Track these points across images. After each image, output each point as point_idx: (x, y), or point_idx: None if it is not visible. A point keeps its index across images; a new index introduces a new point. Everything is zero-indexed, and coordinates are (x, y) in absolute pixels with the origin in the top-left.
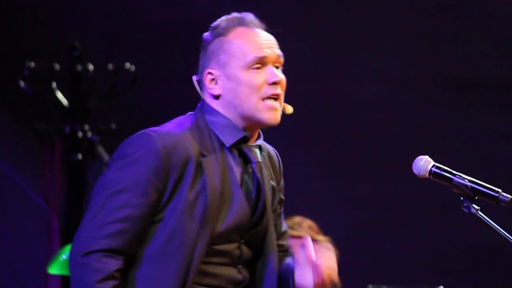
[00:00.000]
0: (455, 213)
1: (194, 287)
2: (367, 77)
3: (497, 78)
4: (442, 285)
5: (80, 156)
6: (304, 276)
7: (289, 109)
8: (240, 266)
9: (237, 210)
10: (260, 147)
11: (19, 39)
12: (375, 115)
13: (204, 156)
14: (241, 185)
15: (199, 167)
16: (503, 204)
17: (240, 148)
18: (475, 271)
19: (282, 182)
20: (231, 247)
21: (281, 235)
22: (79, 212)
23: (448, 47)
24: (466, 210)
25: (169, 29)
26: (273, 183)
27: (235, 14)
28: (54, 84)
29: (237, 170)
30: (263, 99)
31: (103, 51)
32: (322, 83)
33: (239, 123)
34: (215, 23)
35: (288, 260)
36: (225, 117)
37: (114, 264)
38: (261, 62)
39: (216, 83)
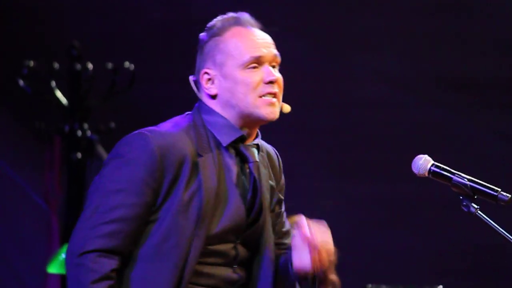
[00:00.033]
0: (455, 213)
1: (190, 287)
2: (367, 77)
3: (497, 78)
4: (441, 285)
5: (79, 155)
6: (301, 257)
7: (287, 108)
8: (236, 266)
9: (232, 210)
10: (258, 147)
11: (19, 38)
12: (375, 115)
13: (200, 156)
14: (237, 185)
15: (195, 167)
16: (502, 203)
17: (237, 148)
18: (474, 270)
19: (282, 180)
20: (226, 247)
21: (283, 234)
22: (78, 211)
23: (448, 47)
24: (465, 209)
25: (169, 28)
26: (271, 182)
27: (230, 14)
28: (53, 83)
29: (234, 170)
30: (260, 97)
31: (103, 50)
32: (322, 83)
33: (237, 122)
34: (211, 23)
35: (288, 251)
36: (222, 116)
37: (109, 264)
38: (258, 62)
39: (212, 82)
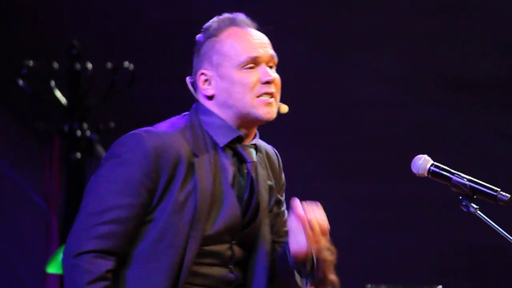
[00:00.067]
0: (454, 213)
1: (187, 287)
2: (367, 77)
3: (497, 78)
4: (441, 285)
5: (79, 155)
6: (297, 239)
7: (284, 109)
8: (232, 266)
9: (228, 211)
10: (256, 147)
11: (18, 38)
12: (375, 115)
13: (196, 156)
14: (233, 186)
15: (191, 167)
16: (501, 203)
17: (234, 148)
18: (474, 270)
19: (283, 180)
20: (222, 248)
21: (284, 233)
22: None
23: (448, 47)
24: (465, 209)
25: (169, 28)
26: (270, 182)
27: (226, 15)
28: (53, 83)
29: (230, 171)
30: (257, 97)
31: (102, 50)
32: (322, 83)
33: (234, 122)
34: (207, 24)
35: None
36: (219, 117)
37: (105, 265)
38: (254, 62)
39: (209, 83)
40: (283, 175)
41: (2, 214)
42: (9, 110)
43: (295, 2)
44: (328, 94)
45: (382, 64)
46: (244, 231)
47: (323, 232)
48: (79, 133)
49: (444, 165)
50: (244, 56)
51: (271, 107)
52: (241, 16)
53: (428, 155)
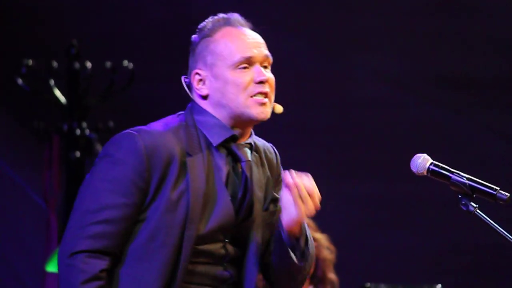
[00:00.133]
0: (453, 212)
1: (183, 285)
2: (367, 77)
3: (497, 78)
4: (440, 284)
5: (78, 154)
6: (289, 213)
7: (279, 109)
8: (226, 264)
9: (221, 210)
10: (251, 146)
11: (17, 37)
12: (375, 115)
13: (189, 155)
14: (227, 185)
15: (183, 166)
16: (501, 202)
17: (229, 147)
18: (473, 269)
19: (281, 177)
20: (215, 246)
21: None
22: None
23: (448, 47)
24: (464, 208)
25: (168, 28)
26: (266, 181)
27: (221, 15)
28: (52, 82)
29: (224, 170)
30: (251, 96)
31: (101, 49)
32: (322, 83)
33: (228, 122)
34: (202, 24)
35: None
36: (213, 116)
37: (99, 264)
38: (248, 62)
39: (204, 83)
40: (282, 171)
41: (2, 213)
42: (8, 109)
43: (295, 2)
44: (328, 94)
45: (382, 64)
46: (237, 230)
47: (311, 196)
48: (78, 132)
49: (443, 164)
50: (238, 56)
51: (265, 107)
52: (235, 16)
53: (428, 155)
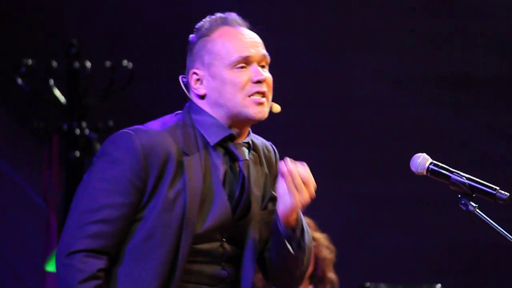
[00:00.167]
0: (453, 212)
1: (181, 284)
2: (367, 77)
3: (497, 78)
4: (440, 284)
5: (77, 153)
6: (284, 202)
7: (277, 108)
8: (224, 263)
9: (218, 209)
10: (249, 145)
11: (17, 37)
12: (375, 114)
13: (186, 155)
14: (224, 184)
15: (180, 166)
16: (500, 202)
17: (226, 147)
18: (473, 269)
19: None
20: (213, 246)
21: None
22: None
23: (448, 46)
24: (464, 208)
25: (168, 27)
26: (264, 179)
27: (218, 14)
28: (51, 82)
29: (221, 169)
30: (248, 96)
31: (101, 48)
32: (322, 83)
33: (226, 121)
34: (199, 24)
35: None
36: (211, 116)
37: (97, 264)
38: (246, 62)
39: (201, 83)
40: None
41: (2, 213)
42: (8, 109)
43: (295, 2)
44: (328, 94)
45: (382, 63)
46: (234, 228)
47: (306, 184)
48: (78, 131)
49: (443, 164)
50: (235, 56)
51: (263, 107)
52: (233, 16)
53: (428, 154)
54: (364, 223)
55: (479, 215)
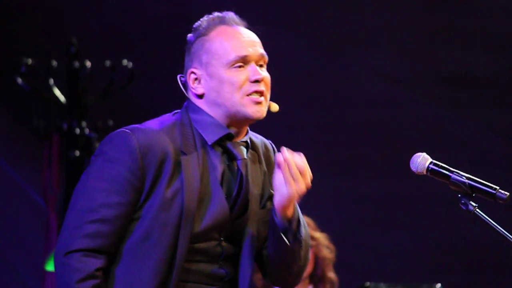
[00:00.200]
0: (453, 211)
1: (179, 283)
2: (367, 76)
3: (497, 77)
4: (440, 283)
5: (77, 152)
6: (280, 193)
7: (275, 107)
8: (222, 262)
9: (215, 208)
10: (247, 144)
11: (17, 36)
12: (374, 114)
13: (184, 154)
14: (222, 183)
15: (178, 165)
16: (500, 202)
17: (224, 146)
18: (473, 268)
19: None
20: (211, 244)
21: None
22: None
23: (448, 46)
24: (464, 208)
25: (167, 27)
26: (263, 178)
27: (216, 14)
28: (51, 81)
29: (219, 168)
30: (246, 95)
31: (101, 48)
32: (322, 82)
33: (224, 121)
34: (197, 23)
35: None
36: (209, 115)
37: (94, 263)
38: (243, 61)
39: (199, 82)
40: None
41: (2, 213)
42: (8, 108)
43: (295, 2)
44: (328, 93)
45: (381, 63)
46: (232, 227)
47: (302, 175)
48: (77, 131)
49: (443, 163)
50: (233, 55)
51: (261, 106)
52: (230, 15)
53: (427, 154)
54: (364, 222)
55: (479, 214)
